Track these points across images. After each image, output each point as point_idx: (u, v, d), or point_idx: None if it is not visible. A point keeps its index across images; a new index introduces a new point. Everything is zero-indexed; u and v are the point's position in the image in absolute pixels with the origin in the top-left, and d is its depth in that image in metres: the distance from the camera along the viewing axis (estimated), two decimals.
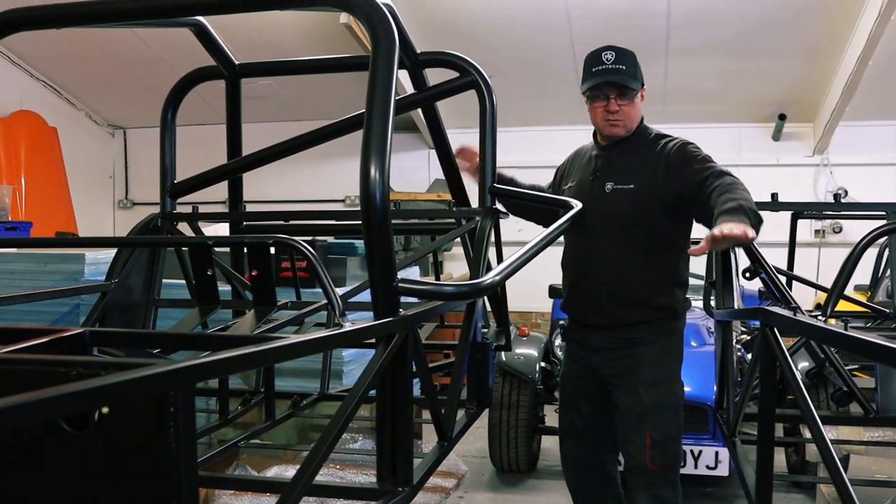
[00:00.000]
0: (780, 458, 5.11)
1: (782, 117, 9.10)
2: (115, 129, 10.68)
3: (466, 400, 2.88)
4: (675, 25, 7.40)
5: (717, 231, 2.51)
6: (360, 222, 1.92)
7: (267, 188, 8.79)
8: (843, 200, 8.88)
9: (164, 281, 3.33)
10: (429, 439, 3.74)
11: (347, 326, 1.99)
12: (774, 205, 3.56)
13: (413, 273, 6.21)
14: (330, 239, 5.07)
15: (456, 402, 2.56)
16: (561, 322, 4.05)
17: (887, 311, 3.66)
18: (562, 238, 3.22)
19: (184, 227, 3.60)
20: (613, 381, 3.27)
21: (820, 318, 2.09)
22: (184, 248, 3.19)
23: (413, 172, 9.59)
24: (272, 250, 4.00)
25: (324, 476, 2.91)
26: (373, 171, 1.90)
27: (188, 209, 3.49)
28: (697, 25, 7.50)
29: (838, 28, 7.50)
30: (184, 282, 3.21)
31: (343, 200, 9.88)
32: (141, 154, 10.46)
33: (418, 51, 3.30)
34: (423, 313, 2.14)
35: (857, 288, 8.15)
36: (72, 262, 4.82)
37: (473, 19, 7.71)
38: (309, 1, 2.80)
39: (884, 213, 3.54)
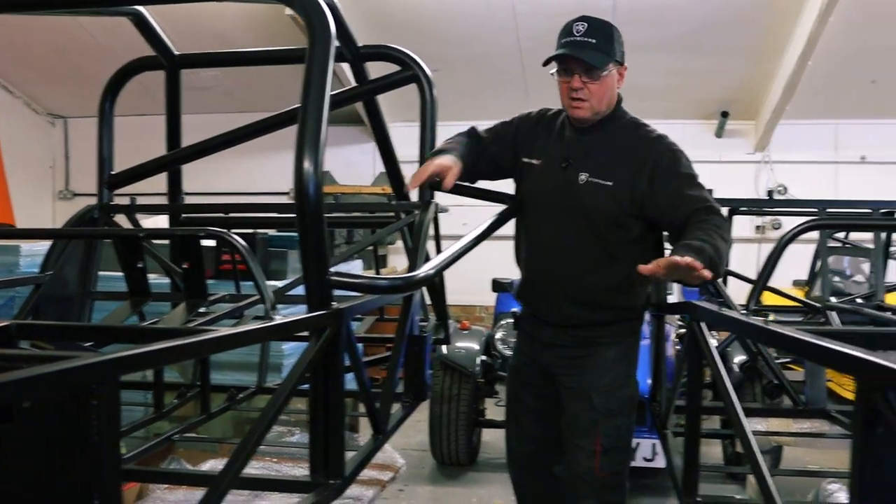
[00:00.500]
0: (717, 450, 5.21)
1: (725, 115, 9.26)
2: (56, 118, 10.47)
3: (403, 393, 2.89)
4: (621, 22, 7.37)
5: (680, 259, 2.26)
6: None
7: (212, 180, 8.69)
8: (782, 197, 9.11)
9: (102, 273, 3.29)
10: (366, 432, 3.74)
11: (278, 319, 1.99)
12: None
13: (356, 266, 6.20)
14: (272, 232, 5.05)
15: (391, 396, 2.57)
16: (514, 310, 3.94)
17: (818, 305, 3.75)
18: (506, 230, 3.09)
19: (124, 220, 3.58)
20: (564, 381, 2.98)
21: (743, 312, 2.13)
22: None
23: (358, 166, 9.56)
24: (212, 243, 3.98)
25: (260, 469, 2.91)
26: (306, 165, 1.90)
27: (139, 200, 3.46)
28: (643, 23, 7.57)
29: (779, 29, 7.63)
30: (122, 274, 3.17)
31: (287, 193, 9.79)
32: (82, 144, 10.24)
33: (362, 44, 3.31)
34: (357, 306, 2.15)
35: (796, 283, 8.32)
36: (7, 254, 4.73)
37: (421, 13, 7.72)
38: None
39: (815, 209, 3.61)
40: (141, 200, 4.18)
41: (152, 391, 3.05)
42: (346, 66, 3.48)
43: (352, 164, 9.45)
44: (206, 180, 8.61)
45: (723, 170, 9.32)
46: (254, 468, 2.92)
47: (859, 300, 3.94)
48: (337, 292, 2.10)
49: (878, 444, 1.19)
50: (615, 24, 2.91)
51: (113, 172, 3.48)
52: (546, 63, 2.85)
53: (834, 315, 3.45)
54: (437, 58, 8.36)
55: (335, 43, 2.01)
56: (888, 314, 3.30)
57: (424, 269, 2.17)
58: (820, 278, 7.21)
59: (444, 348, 5.07)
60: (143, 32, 3.21)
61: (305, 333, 2.08)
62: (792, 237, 2.38)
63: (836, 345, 1.23)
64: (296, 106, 2.84)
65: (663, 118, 9.33)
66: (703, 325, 2.02)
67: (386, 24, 7.66)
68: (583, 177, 2.85)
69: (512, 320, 4.73)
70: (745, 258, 9.01)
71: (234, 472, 1.59)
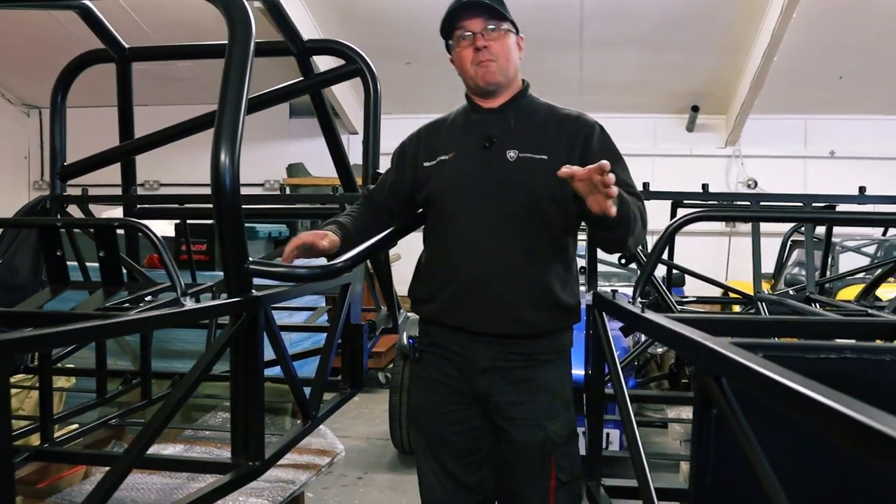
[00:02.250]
0: (664, 438, 5.32)
1: (695, 109, 9.37)
2: (31, 108, 10.49)
3: (340, 381, 2.96)
4: (588, 17, 7.55)
5: (602, 170, 1.98)
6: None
7: (190, 170, 8.75)
8: (752, 191, 9.21)
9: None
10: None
11: (188, 305, 2.06)
12: (648, 194, 3.68)
13: (318, 258, 6.26)
14: None
15: (323, 383, 2.64)
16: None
17: (751, 295, 3.85)
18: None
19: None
20: (509, 411, 2.45)
21: (630, 300, 2.20)
22: (91, 230, 3.19)
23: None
24: (171, 234, 4.03)
25: (202, 454, 2.97)
26: (223, 157, 1.96)
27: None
28: (611, 18, 7.66)
29: (745, 25, 7.73)
30: (76, 263, 3.23)
31: (262, 185, 9.86)
32: None
33: (331, 38, 3.38)
34: (277, 294, 2.21)
35: (763, 276, 8.43)
36: None
37: (390, 7, 7.77)
38: None
39: (749, 202, 3.71)
40: (103, 191, 4.24)
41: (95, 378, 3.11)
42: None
43: (325, 156, 9.48)
44: (185, 170, 8.71)
45: (694, 163, 9.46)
46: (197, 453, 2.98)
47: (791, 292, 4.03)
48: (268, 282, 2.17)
49: (713, 426, 1.27)
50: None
51: (66, 163, 3.56)
52: (446, 29, 2.57)
53: (762, 305, 3.55)
54: (407, 50, 8.46)
55: (253, 40, 2.07)
56: (810, 306, 3.38)
57: (343, 258, 2.24)
58: (790, 270, 7.35)
59: (403, 337, 5.12)
60: (91, 26, 3.27)
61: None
62: (675, 228, 2.44)
63: (683, 329, 1.30)
64: (255, 94, 2.94)
65: (635, 112, 9.46)
66: (602, 312, 2.10)
67: (355, 18, 7.71)
68: (511, 154, 2.46)
69: None
70: (716, 250, 9.14)
71: (136, 453, 1.65)
